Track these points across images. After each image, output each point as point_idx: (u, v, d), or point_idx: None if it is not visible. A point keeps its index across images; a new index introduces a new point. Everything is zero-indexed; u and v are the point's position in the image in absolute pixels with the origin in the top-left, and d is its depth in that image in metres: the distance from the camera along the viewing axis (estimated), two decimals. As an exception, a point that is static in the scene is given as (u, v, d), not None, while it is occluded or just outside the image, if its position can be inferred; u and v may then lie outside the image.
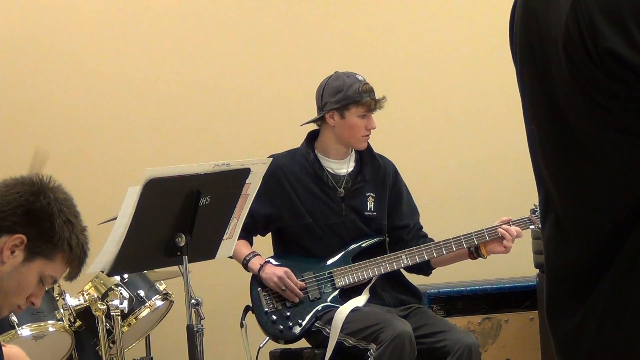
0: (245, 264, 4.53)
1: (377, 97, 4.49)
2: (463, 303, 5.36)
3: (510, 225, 4.49)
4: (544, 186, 1.93)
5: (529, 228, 4.62)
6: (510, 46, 1.98)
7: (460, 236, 4.51)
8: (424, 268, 4.66)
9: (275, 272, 4.46)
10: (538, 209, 4.57)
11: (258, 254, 4.55)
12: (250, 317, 4.53)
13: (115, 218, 3.68)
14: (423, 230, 4.70)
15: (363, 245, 4.57)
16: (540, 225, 4.60)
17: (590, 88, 1.77)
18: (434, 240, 4.60)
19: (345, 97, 4.46)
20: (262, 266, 4.49)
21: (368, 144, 4.59)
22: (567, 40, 1.77)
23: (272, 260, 4.56)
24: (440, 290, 5.37)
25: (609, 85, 1.74)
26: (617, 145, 1.78)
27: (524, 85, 1.92)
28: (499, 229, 4.46)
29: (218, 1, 5.92)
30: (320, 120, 4.56)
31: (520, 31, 1.91)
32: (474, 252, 4.54)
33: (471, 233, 4.50)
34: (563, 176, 1.88)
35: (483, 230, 4.50)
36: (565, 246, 1.89)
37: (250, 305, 4.53)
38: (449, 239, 4.51)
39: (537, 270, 5.27)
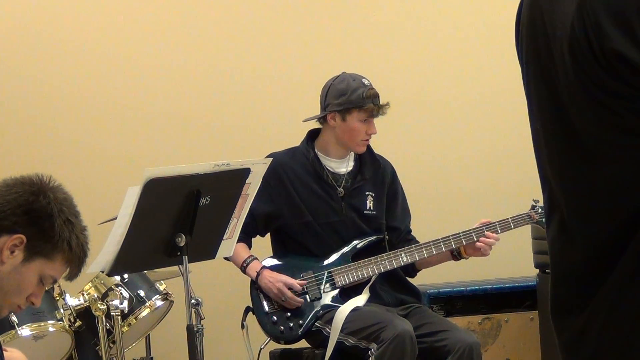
0: (243, 269, 4.54)
1: (381, 103, 4.48)
2: (463, 303, 5.36)
3: (485, 230, 4.49)
4: (549, 186, 1.93)
5: (528, 224, 4.61)
6: (516, 46, 1.98)
7: (459, 233, 4.51)
8: (409, 271, 4.66)
9: (274, 283, 4.46)
10: (537, 205, 4.61)
11: (256, 258, 4.55)
12: (251, 317, 4.53)
13: (115, 218, 3.68)
14: (411, 234, 4.70)
15: (361, 244, 4.56)
16: (539, 221, 4.62)
17: (595, 89, 1.77)
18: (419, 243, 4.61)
19: (348, 101, 4.46)
20: (259, 273, 4.49)
21: (368, 144, 4.59)
22: (573, 41, 1.77)
23: (267, 263, 4.55)
24: (440, 290, 5.37)
25: (614, 86, 1.74)
26: (621, 147, 1.78)
27: (529, 85, 1.92)
28: (477, 244, 4.46)
29: (218, 2, 5.92)
30: (323, 119, 4.57)
31: (526, 32, 1.91)
32: (456, 254, 4.54)
33: (470, 230, 4.51)
34: (568, 177, 1.87)
35: (460, 234, 4.50)
36: (570, 246, 1.89)
37: (251, 306, 4.53)
38: (448, 237, 4.51)
39: (537, 270, 5.27)
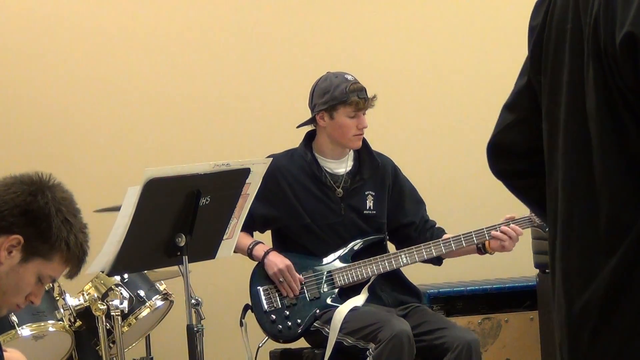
0: (249, 252, 4.53)
1: (368, 96, 4.48)
2: (463, 303, 5.37)
3: (509, 225, 4.48)
4: (555, 179, 1.93)
5: (529, 227, 4.61)
6: (539, 34, 1.98)
7: (459, 235, 4.51)
8: (434, 259, 4.64)
9: (277, 262, 4.47)
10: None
11: (261, 242, 4.56)
12: (250, 315, 4.53)
13: (112, 208, 3.68)
14: (429, 222, 4.68)
15: (360, 245, 4.56)
16: (540, 225, 4.59)
17: (609, 74, 1.77)
18: (442, 229, 4.61)
19: (332, 97, 4.46)
20: (266, 253, 4.49)
21: (366, 142, 4.59)
22: (597, 25, 1.78)
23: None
24: (440, 290, 5.37)
25: (625, 70, 1.75)
26: (619, 141, 1.79)
27: (559, 72, 1.92)
28: (493, 232, 4.46)
29: (217, 2, 5.92)
30: (314, 121, 4.57)
31: (557, 20, 1.91)
32: (481, 248, 4.55)
33: (471, 232, 4.50)
34: (577, 167, 1.88)
35: (483, 229, 4.50)
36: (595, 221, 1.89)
37: (250, 304, 4.53)
38: (449, 238, 4.52)
39: (537, 270, 5.27)
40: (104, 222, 4.20)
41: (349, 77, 4.50)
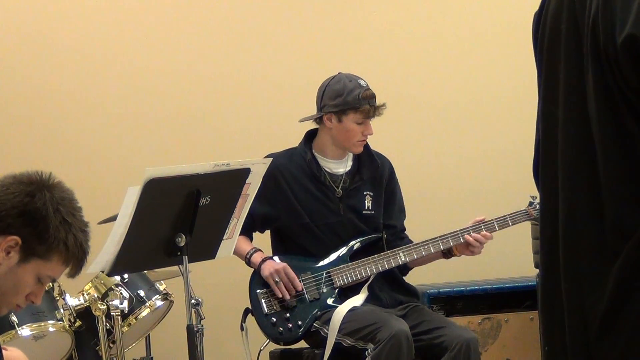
0: (247, 259, 4.54)
1: (377, 104, 4.48)
2: (463, 303, 5.37)
3: (481, 232, 4.49)
4: (549, 177, 1.94)
5: (526, 220, 4.61)
6: (537, 35, 1.98)
7: (457, 231, 4.52)
8: (401, 269, 4.66)
9: (274, 264, 4.47)
10: (535, 201, 4.61)
11: (260, 250, 4.56)
12: (250, 319, 4.53)
13: (115, 217, 3.68)
14: (405, 233, 4.70)
15: (358, 244, 4.56)
16: (537, 217, 4.59)
17: (610, 75, 1.77)
18: (413, 242, 4.61)
19: (344, 102, 4.46)
20: (263, 260, 4.49)
21: (366, 143, 4.59)
22: (595, 25, 1.78)
23: (275, 258, 4.57)
24: (440, 290, 5.37)
25: (627, 72, 1.74)
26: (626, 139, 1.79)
27: (562, 69, 1.92)
28: (466, 236, 4.47)
29: (218, 2, 5.92)
30: (319, 120, 4.57)
31: (552, 18, 1.91)
32: (447, 252, 4.55)
33: (467, 228, 4.51)
34: (577, 168, 1.88)
35: (457, 231, 4.51)
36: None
37: (250, 307, 4.53)
38: (445, 235, 4.52)
39: (537, 270, 5.27)
40: (104, 224, 4.20)
41: (362, 83, 4.49)
